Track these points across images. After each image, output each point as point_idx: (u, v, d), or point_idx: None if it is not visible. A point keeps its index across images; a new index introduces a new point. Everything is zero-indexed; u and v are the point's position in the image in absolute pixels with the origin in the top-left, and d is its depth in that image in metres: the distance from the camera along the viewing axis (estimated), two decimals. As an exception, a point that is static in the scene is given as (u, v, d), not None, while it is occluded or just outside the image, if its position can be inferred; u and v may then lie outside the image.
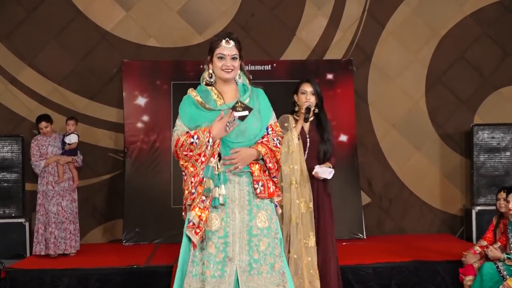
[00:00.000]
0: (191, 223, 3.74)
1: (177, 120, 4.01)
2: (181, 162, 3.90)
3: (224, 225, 3.82)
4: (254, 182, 3.91)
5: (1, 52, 8.45)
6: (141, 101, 8.42)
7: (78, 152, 7.53)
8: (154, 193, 8.15)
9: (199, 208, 3.74)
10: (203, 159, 3.80)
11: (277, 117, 5.34)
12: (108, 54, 8.57)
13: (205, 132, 3.79)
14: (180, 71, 8.53)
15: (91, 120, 8.53)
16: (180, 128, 3.94)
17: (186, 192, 3.84)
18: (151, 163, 8.30)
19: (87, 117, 8.51)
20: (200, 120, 3.90)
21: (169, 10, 8.71)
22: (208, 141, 3.79)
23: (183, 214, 3.94)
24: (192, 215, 3.73)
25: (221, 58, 3.95)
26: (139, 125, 8.39)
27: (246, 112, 3.92)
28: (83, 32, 8.56)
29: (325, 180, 5.27)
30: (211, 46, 4.03)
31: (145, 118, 8.40)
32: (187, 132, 3.88)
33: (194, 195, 3.77)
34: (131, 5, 8.66)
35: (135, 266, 6.52)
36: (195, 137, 3.81)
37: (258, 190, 3.91)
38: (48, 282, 6.29)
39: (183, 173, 3.93)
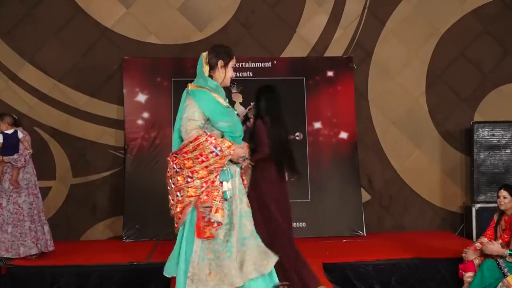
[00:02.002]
0: (215, 223, 4.13)
1: (192, 110, 4.20)
2: (187, 163, 4.19)
3: (228, 213, 4.21)
4: (242, 175, 4.48)
5: (1, 48, 8.45)
6: (142, 98, 8.42)
7: (20, 150, 7.07)
8: (154, 190, 8.11)
9: (222, 210, 4.15)
10: (219, 170, 4.18)
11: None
12: (108, 51, 8.56)
13: (229, 150, 4.17)
14: (181, 68, 8.52)
15: (91, 117, 8.53)
16: (198, 120, 4.18)
17: (192, 191, 4.17)
18: (152, 160, 8.30)
19: (87, 114, 8.52)
20: (222, 116, 4.28)
21: (169, 7, 8.71)
22: (228, 157, 4.18)
23: (180, 210, 4.33)
24: (219, 217, 4.13)
25: (233, 69, 4.46)
26: (140, 122, 8.39)
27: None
28: (84, 29, 8.56)
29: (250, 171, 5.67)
30: (229, 53, 4.41)
31: (146, 115, 8.40)
32: (207, 134, 4.16)
33: (215, 196, 4.15)
34: (132, 2, 8.65)
35: (135, 263, 6.52)
36: (218, 149, 4.13)
37: (245, 182, 4.53)
38: (48, 279, 6.30)
39: (184, 171, 4.24)
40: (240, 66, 8.45)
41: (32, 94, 8.47)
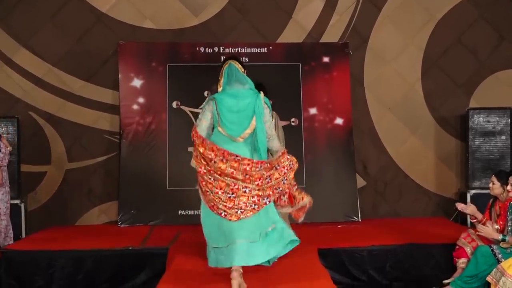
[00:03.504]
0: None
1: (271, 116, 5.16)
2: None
3: None
4: None
5: (-4, 33, 8.43)
6: (137, 83, 8.40)
7: (2, 149, 7.08)
8: (149, 175, 8.15)
9: None
10: None
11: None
12: (103, 36, 8.53)
13: None
14: (176, 53, 8.51)
15: (87, 101, 8.51)
16: None
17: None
18: (147, 145, 8.29)
19: (82, 98, 8.50)
20: None
21: (165, -8, 8.68)
22: None
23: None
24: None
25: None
26: (135, 107, 8.37)
27: None
28: (79, 14, 8.52)
29: None
30: None
31: (141, 100, 8.38)
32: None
33: None
34: (127, -13, 8.63)
35: (130, 248, 6.51)
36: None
37: None
38: (43, 263, 6.29)
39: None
40: (236, 51, 8.44)
41: (27, 78, 8.44)
